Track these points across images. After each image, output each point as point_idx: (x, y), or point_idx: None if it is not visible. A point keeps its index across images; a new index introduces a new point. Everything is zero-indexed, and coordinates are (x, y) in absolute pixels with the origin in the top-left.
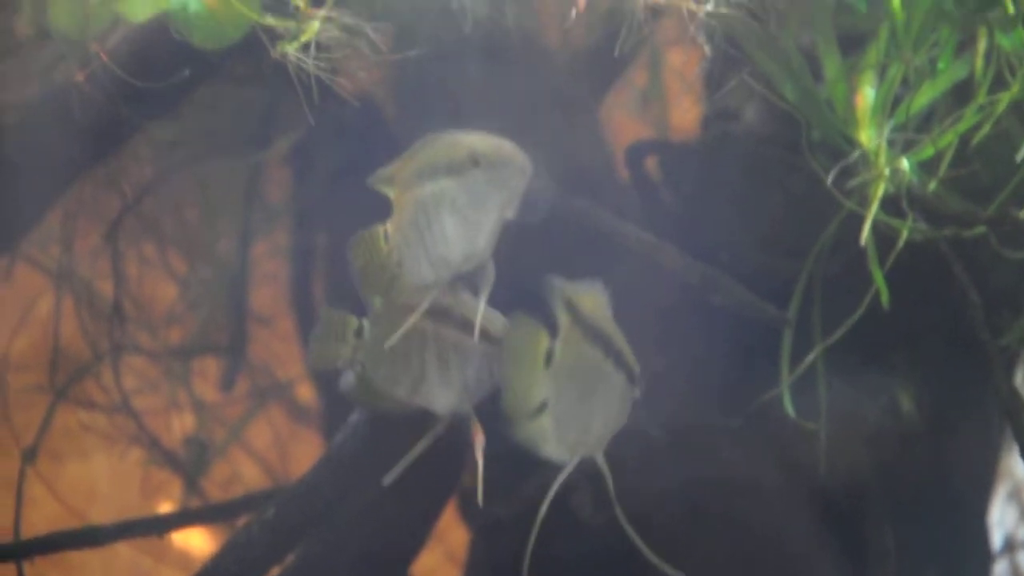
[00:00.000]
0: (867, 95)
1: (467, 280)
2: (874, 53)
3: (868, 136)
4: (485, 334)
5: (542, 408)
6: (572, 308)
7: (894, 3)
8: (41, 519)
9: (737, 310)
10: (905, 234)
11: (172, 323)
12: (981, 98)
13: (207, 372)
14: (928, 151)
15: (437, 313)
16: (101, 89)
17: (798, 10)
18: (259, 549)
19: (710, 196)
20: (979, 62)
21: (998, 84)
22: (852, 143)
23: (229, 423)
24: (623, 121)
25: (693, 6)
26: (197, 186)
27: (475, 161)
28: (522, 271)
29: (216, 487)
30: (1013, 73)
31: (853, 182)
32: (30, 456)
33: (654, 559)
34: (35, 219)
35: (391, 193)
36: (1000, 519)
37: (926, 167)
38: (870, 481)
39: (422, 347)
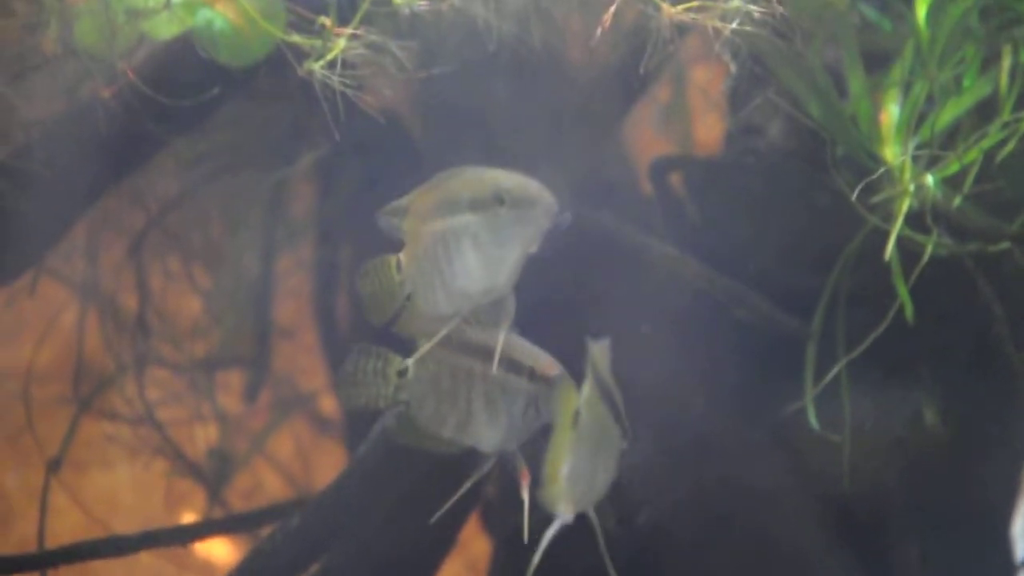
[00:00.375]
0: (892, 112)
1: (487, 312)
2: (899, 70)
3: (893, 152)
4: (531, 374)
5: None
6: (595, 369)
7: (919, 21)
8: (65, 529)
9: (760, 323)
10: (930, 249)
11: (196, 336)
12: (1006, 115)
13: (231, 384)
14: (953, 167)
15: (484, 352)
16: (126, 105)
17: (823, 28)
18: (283, 558)
19: (734, 211)
20: (1004, 79)
21: (1023, 101)
22: (877, 159)
23: (252, 434)
24: (647, 137)
25: (718, 24)
26: (222, 201)
27: (500, 200)
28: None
29: (239, 498)
30: None
31: (878, 198)
32: (54, 466)
33: None
34: (60, 233)
35: (404, 224)
36: (1023, 531)
37: (951, 183)
38: (894, 493)
39: (470, 386)
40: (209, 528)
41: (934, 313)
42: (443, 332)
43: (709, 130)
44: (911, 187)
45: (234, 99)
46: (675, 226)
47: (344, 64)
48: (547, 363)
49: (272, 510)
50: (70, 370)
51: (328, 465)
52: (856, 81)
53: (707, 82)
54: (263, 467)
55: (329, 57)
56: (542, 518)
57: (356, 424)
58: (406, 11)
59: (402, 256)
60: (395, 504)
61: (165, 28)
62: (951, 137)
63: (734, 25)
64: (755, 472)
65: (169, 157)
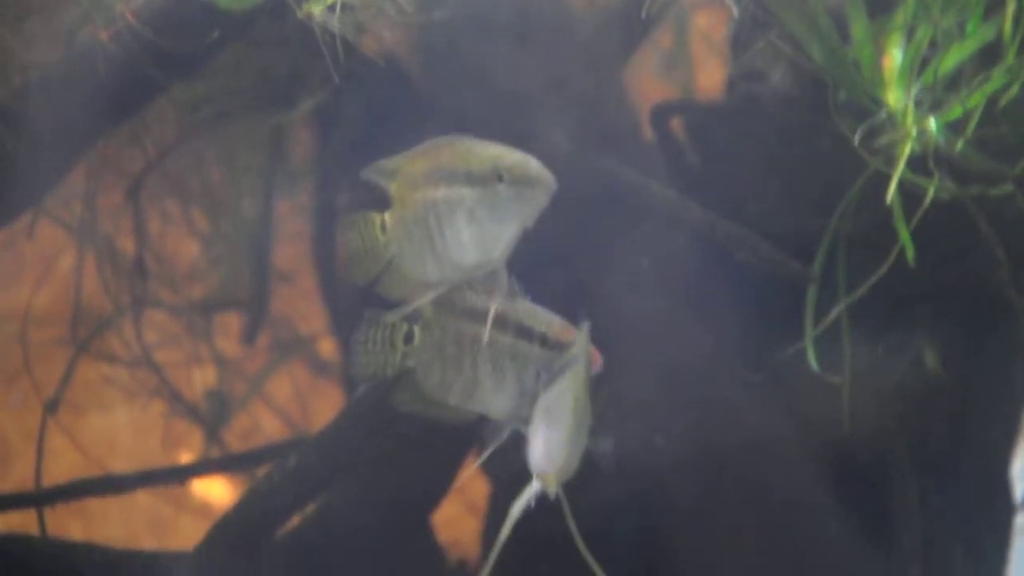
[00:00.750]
0: (895, 56)
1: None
2: (902, 15)
3: (895, 97)
4: (544, 339)
5: None
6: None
7: None
8: (62, 470)
9: (762, 267)
10: (932, 193)
11: (194, 279)
12: (1010, 59)
13: (229, 327)
14: (956, 111)
15: (492, 319)
16: (126, 49)
17: None
18: (280, 498)
19: (736, 156)
20: (1007, 24)
21: None
22: (879, 104)
23: (250, 377)
24: (649, 82)
25: None
26: (221, 145)
27: (500, 176)
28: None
29: (237, 439)
30: None
31: (880, 142)
32: (52, 408)
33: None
34: (58, 176)
35: (391, 186)
36: (1023, 472)
37: (953, 127)
38: (894, 435)
39: (475, 353)
40: (206, 467)
41: (935, 257)
42: (428, 297)
43: (711, 75)
44: (913, 131)
45: (233, 43)
46: (677, 170)
47: (343, 7)
48: (560, 329)
49: (269, 450)
50: (68, 312)
51: (326, 407)
52: (859, 25)
53: (709, 27)
54: (261, 409)
55: (329, 1)
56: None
57: None
58: None
59: (388, 217)
60: (393, 445)
61: None
62: (954, 82)
63: None
64: (755, 414)
65: (168, 101)
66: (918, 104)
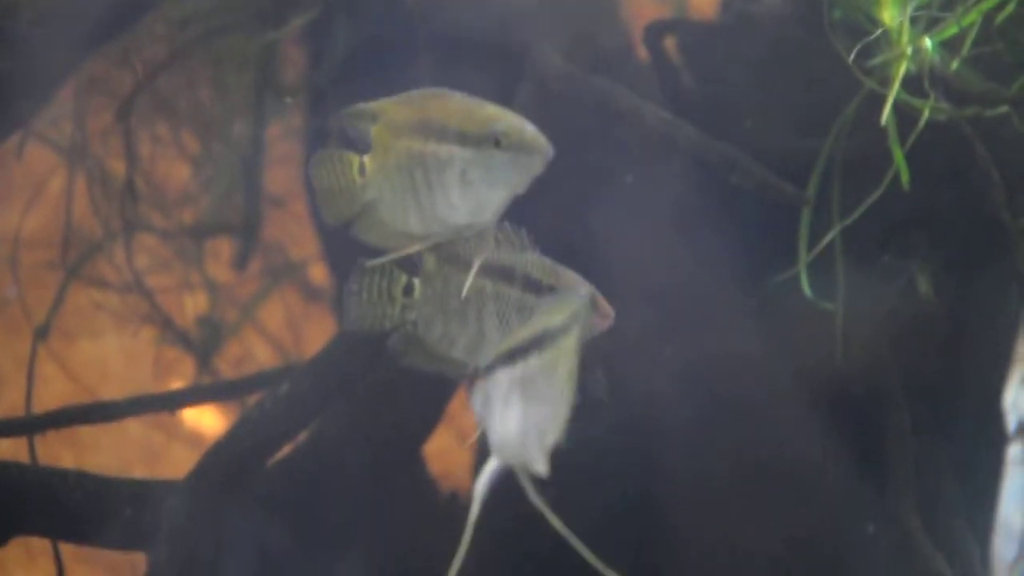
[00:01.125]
0: None
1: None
2: None
3: (890, 14)
4: (551, 292)
5: None
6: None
7: None
8: (53, 397)
9: (756, 190)
10: (927, 114)
11: (185, 203)
12: None
13: (220, 252)
14: (951, 29)
15: (496, 271)
16: None
17: None
18: (272, 425)
19: (729, 76)
20: None
21: None
22: (874, 22)
23: (242, 303)
24: (642, 1)
25: None
26: (211, 65)
27: (496, 141)
28: None
29: (229, 366)
30: None
31: (875, 61)
32: (42, 333)
33: None
34: (47, 96)
35: (373, 131)
36: (1015, 402)
37: (949, 46)
38: (887, 362)
39: (480, 306)
40: (198, 395)
41: (930, 179)
42: (413, 248)
43: None
44: (909, 50)
45: None
46: (670, 91)
47: None
48: (571, 281)
49: (261, 377)
50: (58, 236)
51: (318, 334)
52: None
53: None
54: (253, 336)
55: None
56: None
57: None
58: None
59: (367, 160)
60: (385, 373)
61: None
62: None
63: None
64: (746, 342)
65: (158, 19)
66: (914, 22)
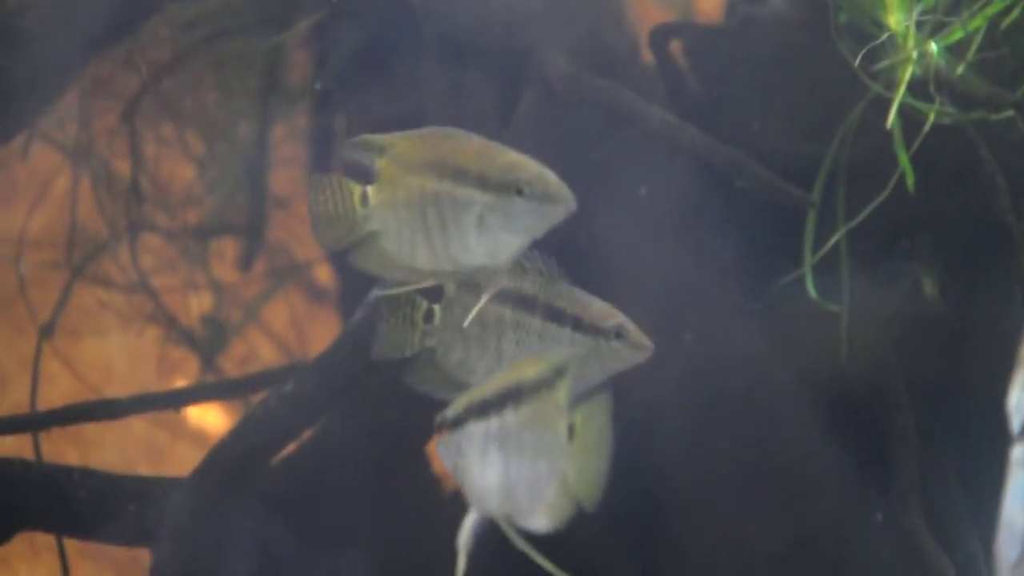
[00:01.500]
0: None
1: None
2: None
3: (896, 19)
4: (576, 323)
5: None
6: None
7: None
8: (58, 396)
9: (762, 193)
10: (932, 118)
11: (190, 204)
12: None
13: (224, 253)
14: (957, 34)
15: (518, 299)
16: None
17: None
18: (276, 423)
19: (735, 80)
20: None
21: None
22: (880, 26)
23: (246, 303)
24: (647, 4)
25: None
26: (216, 67)
27: (518, 190)
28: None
29: (233, 366)
30: None
31: (880, 65)
32: (47, 332)
33: None
34: (53, 96)
35: (380, 164)
36: (1019, 403)
37: (954, 50)
38: (891, 364)
39: (500, 334)
40: (202, 392)
41: (935, 183)
42: (422, 284)
43: None
44: (914, 54)
45: None
46: (675, 94)
47: None
48: (599, 311)
49: (266, 376)
50: (63, 236)
51: (322, 334)
52: None
53: None
54: (257, 336)
55: None
56: None
57: (350, 294)
58: None
59: (371, 191)
60: (390, 371)
61: None
62: (955, 4)
63: None
64: (750, 343)
65: (162, 21)
66: (919, 27)
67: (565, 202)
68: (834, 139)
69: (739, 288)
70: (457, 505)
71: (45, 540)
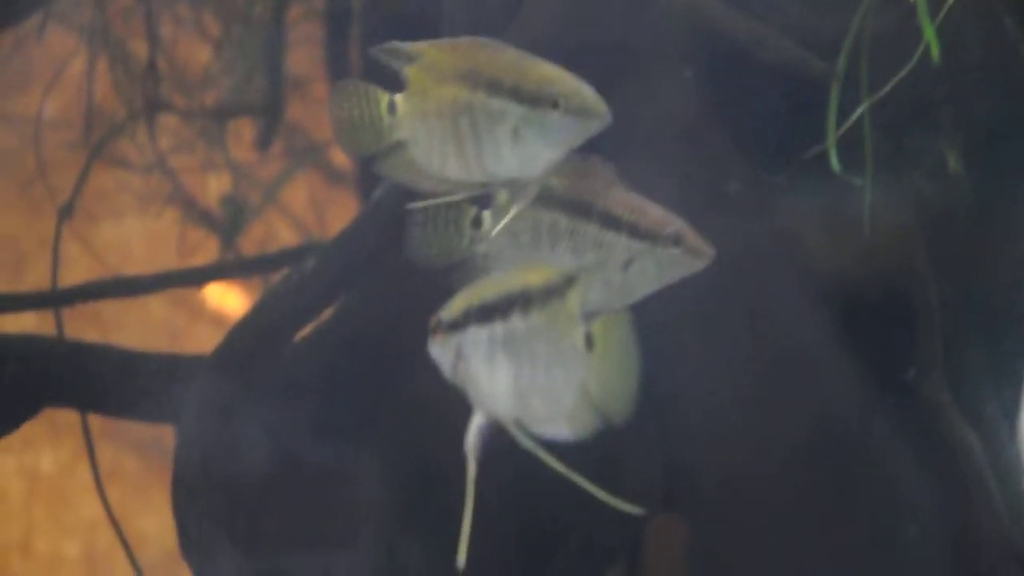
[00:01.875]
0: None
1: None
2: None
3: None
4: (632, 229)
5: None
6: None
7: None
8: (77, 277)
9: (784, 66)
10: None
11: (207, 84)
12: None
13: (242, 133)
14: None
15: (573, 205)
16: None
17: None
18: (297, 301)
19: None
20: None
21: None
22: None
23: (265, 184)
24: None
25: None
26: None
27: (554, 103)
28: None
29: (252, 247)
30: None
31: None
32: (66, 212)
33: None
34: None
35: (410, 71)
36: None
37: None
38: (915, 240)
39: (554, 242)
40: (222, 270)
41: (959, 55)
42: (457, 197)
43: None
44: None
45: None
46: None
47: None
48: (657, 218)
49: (285, 255)
50: (80, 117)
51: (341, 215)
52: None
53: None
54: (276, 217)
55: None
56: None
57: (369, 174)
58: None
59: (399, 99)
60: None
61: None
62: None
63: None
64: (770, 219)
65: None
66: None
67: (600, 116)
68: (858, 10)
69: (761, 162)
70: None
71: (67, 421)
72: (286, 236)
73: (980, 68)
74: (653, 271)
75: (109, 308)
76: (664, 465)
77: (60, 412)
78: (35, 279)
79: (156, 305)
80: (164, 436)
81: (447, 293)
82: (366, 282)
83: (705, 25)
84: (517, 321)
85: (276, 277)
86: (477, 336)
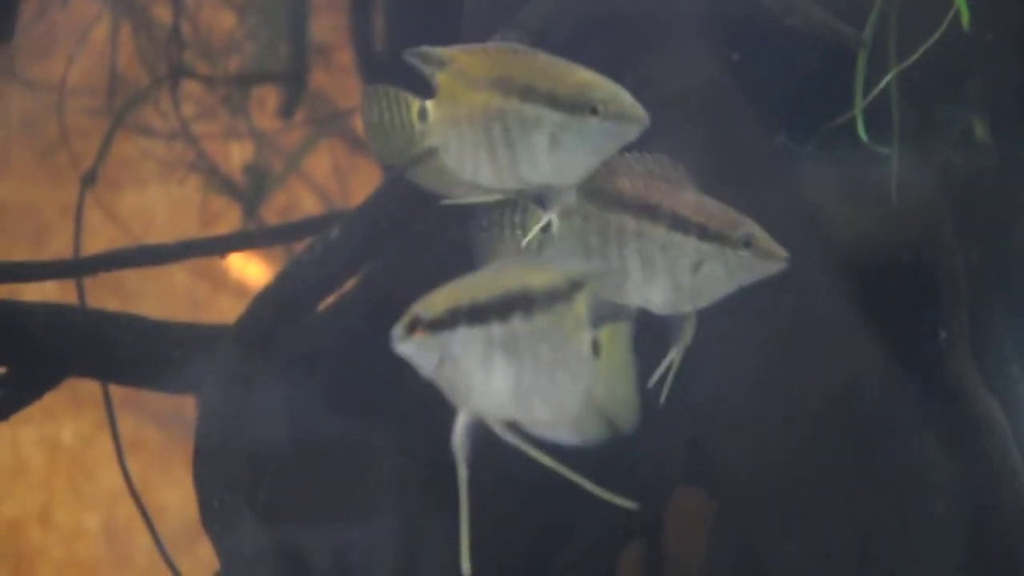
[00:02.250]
0: None
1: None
2: None
3: None
4: (701, 231)
5: None
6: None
7: None
8: (100, 245)
9: (812, 32)
10: None
11: (230, 51)
12: None
13: (265, 101)
14: None
15: (641, 208)
16: None
17: None
18: (322, 269)
19: None
20: None
21: None
22: None
23: (287, 152)
24: None
25: None
26: None
27: (593, 108)
28: None
29: (275, 215)
30: None
31: None
32: (89, 180)
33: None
34: None
35: (441, 77)
36: None
37: None
38: (941, 208)
39: (621, 244)
40: (245, 240)
41: (986, 24)
42: (486, 199)
43: None
44: None
45: None
46: None
47: None
48: (728, 220)
49: (309, 224)
50: (103, 83)
51: (364, 184)
52: None
53: None
54: (299, 185)
55: None
56: None
57: None
58: None
59: (430, 105)
60: (435, 217)
61: None
62: None
63: None
64: (796, 188)
65: None
66: None
67: (639, 120)
68: None
69: (787, 130)
70: None
71: (88, 392)
72: (309, 205)
73: (1009, 36)
74: (723, 273)
75: (131, 277)
76: (687, 439)
77: (81, 382)
78: (57, 247)
79: (179, 274)
80: (186, 407)
81: (469, 263)
82: (390, 251)
83: None
84: (518, 323)
85: (299, 246)
86: (470, 336)
